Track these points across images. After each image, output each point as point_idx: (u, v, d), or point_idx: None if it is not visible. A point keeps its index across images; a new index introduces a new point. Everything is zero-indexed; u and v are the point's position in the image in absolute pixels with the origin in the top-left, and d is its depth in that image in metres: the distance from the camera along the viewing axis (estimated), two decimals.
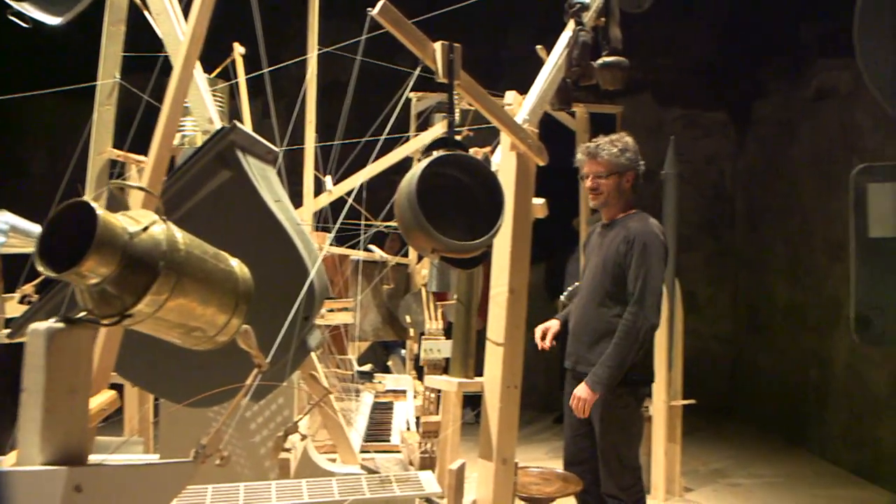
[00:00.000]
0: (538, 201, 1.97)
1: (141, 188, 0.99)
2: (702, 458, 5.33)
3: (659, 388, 4.40)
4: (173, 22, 2.03)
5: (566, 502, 2.99)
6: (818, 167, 5.31)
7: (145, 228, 0.84)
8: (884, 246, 1.49)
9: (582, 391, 2.70)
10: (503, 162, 1.90)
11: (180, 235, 0.90)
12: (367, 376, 3.73)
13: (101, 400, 1.10)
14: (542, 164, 1.91)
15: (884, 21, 1.47)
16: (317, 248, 2.00)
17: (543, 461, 4.80)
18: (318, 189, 3.96)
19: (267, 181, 1.91)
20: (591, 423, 2.95)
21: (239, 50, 3.19)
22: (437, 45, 1.69)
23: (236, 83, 3.22)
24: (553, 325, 3.02)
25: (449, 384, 1.84)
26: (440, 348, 2.05)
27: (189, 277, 0.89)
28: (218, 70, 3.20)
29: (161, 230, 0.86)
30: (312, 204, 3.91)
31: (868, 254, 1.49)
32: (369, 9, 1.70)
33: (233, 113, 3.39)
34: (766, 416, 6.14)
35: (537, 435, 6.00)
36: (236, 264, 1.02)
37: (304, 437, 1.98)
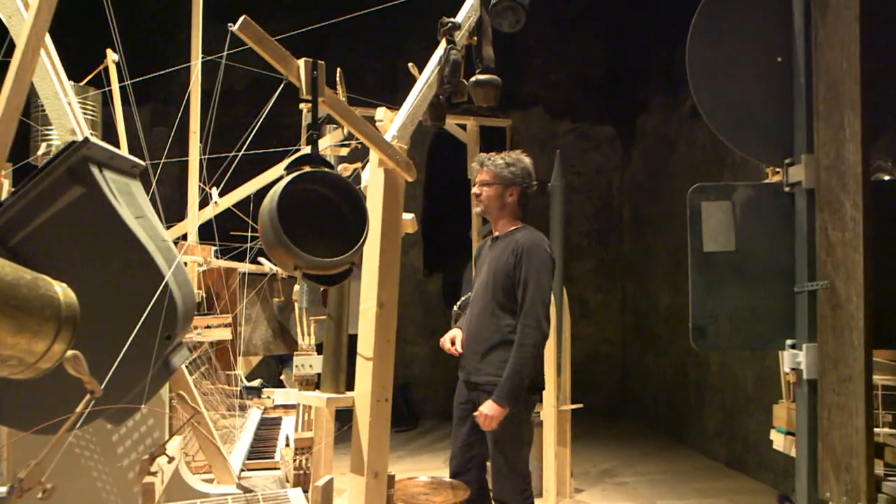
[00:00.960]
0: (407, 216, 2.00)
1: None
2: (593, 459, 5.55)
3: (548, 393, 4.55)
4: (28, 24, 1.93)
5: None
6: (694, 179, 5.65)
7: None
8: (716, 260, 1.62)
9: (487, 408, 2.73)
10: (371, 178, 1.92)
11: None
12: (254, 392, 3.65)
13: None
14: (410, 179, 1.94)
15: (711, 57, 1.61)
16: (184, 264, 1.95)
17: (442, 469, 4.85)
18: (205, 201, 3.86)
19: (129, 196, 1.85)
20: (480, 434, 3.01)
21: (112, 57, 3.05)
22: (301, 62, 1.69)
23: (110, 91, 3.08)
24: (458, 332, 3.06)
25: (318, 400, 1.84)
26: (311, 364, 2.04)
27: None
28: (89, 77, 3.06)
29: None
30: (196, 216, 3.81)
31: (702, 267, 1.62)
32: (230, 24, 1.69)
33: (106, 121, 3.25)
34: (652, 416, 6.46)
35: (436, 444, 6.06)
36: (60, 290, 0.98)
37: (171, 460, 1.92)
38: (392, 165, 1.90)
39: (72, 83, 2.74)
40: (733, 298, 1.59)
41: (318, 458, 2.02)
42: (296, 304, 2.59)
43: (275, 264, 2.25)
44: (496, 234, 3.03)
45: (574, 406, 4.66)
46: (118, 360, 1.57)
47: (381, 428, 1.86)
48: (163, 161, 3.29)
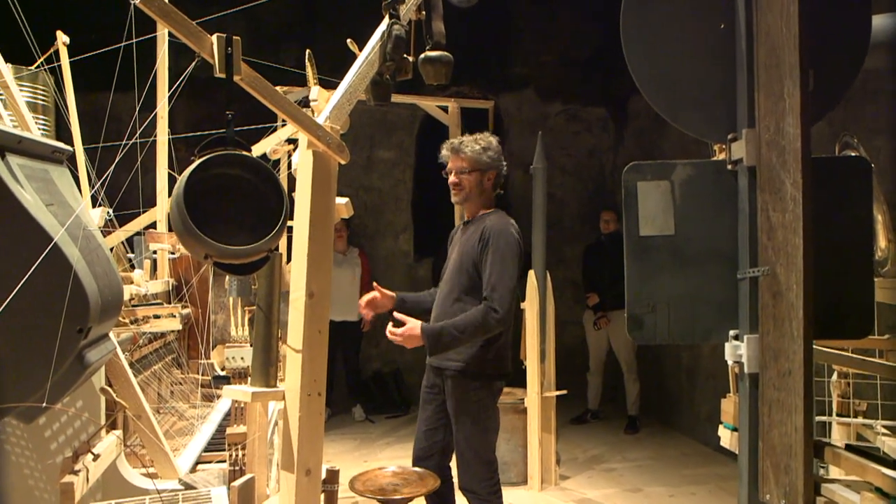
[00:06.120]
0: (341, 200, 1.90)
1: None
2: (582, 445, 5.47)
3: (532, 379, 4.46)
4: None
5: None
6: (686, 158, 5.52)
7: None
8: (653, 244, 1.51)
9: (412, 329, 2.68)
10: (301, 160, 1.82)
11: None
12: (225, 381, 3.58)
13: None
14: (343, 162, 1.84)
15: (647, 25, 1.49)
16: (109, 255, 1.86)
17: None
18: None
19: (43, 182, 1.76)
20: (444, 419, 2.97)
21: (62, 38, 2.96)
22: (214, 38, 1.58)
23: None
24: (417, 325, 2.81)
25: (244, 394, 1.75)
26: (243, 356, 1.96)
27: None
28: (40, 61, 2.96)
29: None
30: (166, 202, 3.72)
31: (639, 253, 1.51)
32: None
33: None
34: (645, 400, 6.35)
35: None
36: None
37: (96, 458, 1.84)
38: (322, 148, 1.79)
39: (12, 66, 2.64)
40: (672, 286, 1.47)
41: (252, 454, 1.94)
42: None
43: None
44: (467, 218, 2.98)
45: (558, 392, 4.56)
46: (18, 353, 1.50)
47: (313, 423, 1.77)
48: (123, 143, 3.19)
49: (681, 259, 1.49)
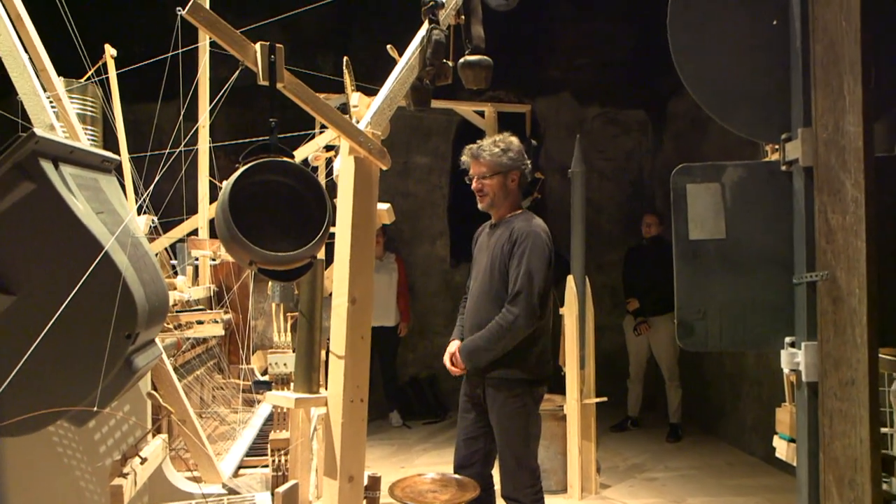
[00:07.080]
0: (383, 206, 1.90)
1: None
2: (623, 453, 5.38)
3: (571, 386, 4.40)
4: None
5: None
6: (728, 161, 5.39)
7: None
8: (703, 249, 1.47)
9: (453, 350, 2.90)
10: (342, 166, 1.82)
11: None
12: (265, 386, 3.60)
13: None
14: (384, 167, 1.83)
15: (696, 22, 1.45)
16: (155, 261, 1.88)
17: None
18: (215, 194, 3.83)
19: (94, 191, 1.80)
20: (484, 427, 2.94)
21: (110, 51, 3.02)
22: (258, 46, 1.59)
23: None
24: (456, 346, 2.97)
25: (287, 400, 1.75)
26: (286, 362, 1.97)
27: None
28: (89, 73, 3.03)
29: None
30: (207, 210, 3.78)
31: (689, 257, 1.46)
32: (179, 8, 1.60)
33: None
34: (686, 409, 6.22)
35: None
36: None
37: (144, 461, 1.86)
38: (363, 154, 1.79)
39: (64, 79, 2.71)
40: (724, 292, 1.43)
41: (295, 460, 1.95)
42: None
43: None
44: (494, 221, 2.94)
45: (598, 399, 4.49)
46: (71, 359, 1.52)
47: (356, 429, 1.77)
48: (166, 151, 3.25)
49: (732, 263, 1.44)
